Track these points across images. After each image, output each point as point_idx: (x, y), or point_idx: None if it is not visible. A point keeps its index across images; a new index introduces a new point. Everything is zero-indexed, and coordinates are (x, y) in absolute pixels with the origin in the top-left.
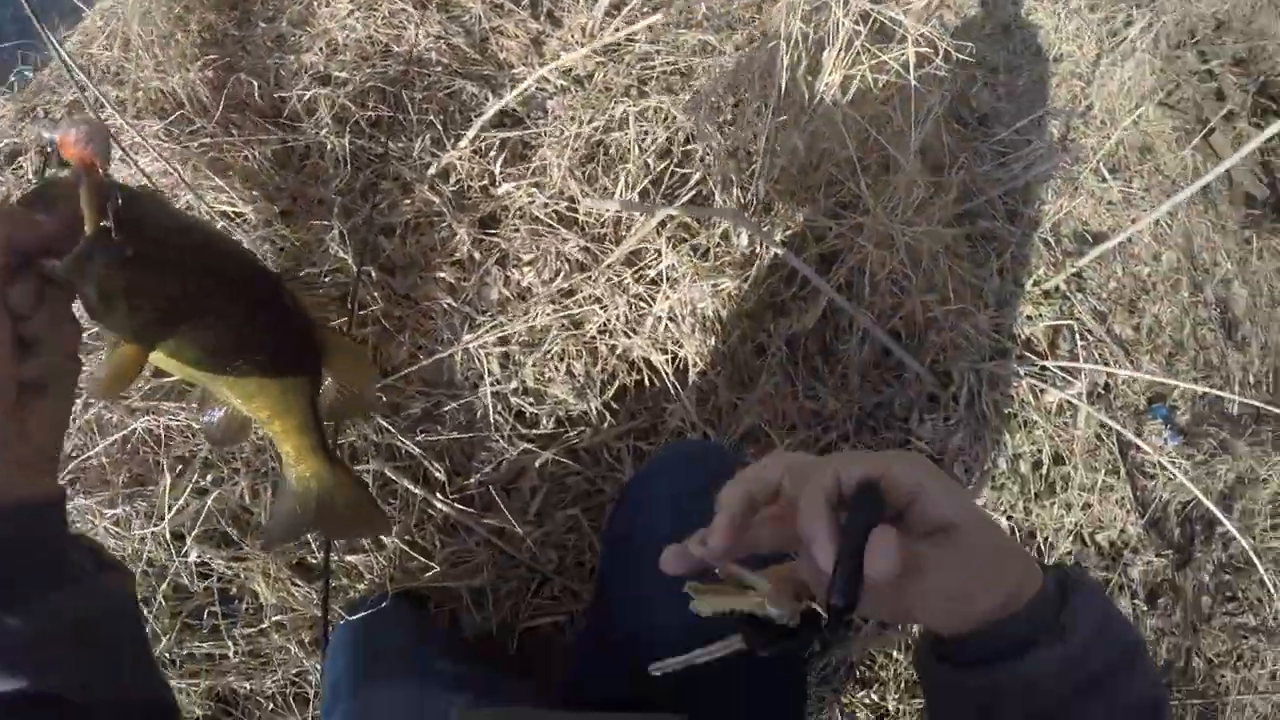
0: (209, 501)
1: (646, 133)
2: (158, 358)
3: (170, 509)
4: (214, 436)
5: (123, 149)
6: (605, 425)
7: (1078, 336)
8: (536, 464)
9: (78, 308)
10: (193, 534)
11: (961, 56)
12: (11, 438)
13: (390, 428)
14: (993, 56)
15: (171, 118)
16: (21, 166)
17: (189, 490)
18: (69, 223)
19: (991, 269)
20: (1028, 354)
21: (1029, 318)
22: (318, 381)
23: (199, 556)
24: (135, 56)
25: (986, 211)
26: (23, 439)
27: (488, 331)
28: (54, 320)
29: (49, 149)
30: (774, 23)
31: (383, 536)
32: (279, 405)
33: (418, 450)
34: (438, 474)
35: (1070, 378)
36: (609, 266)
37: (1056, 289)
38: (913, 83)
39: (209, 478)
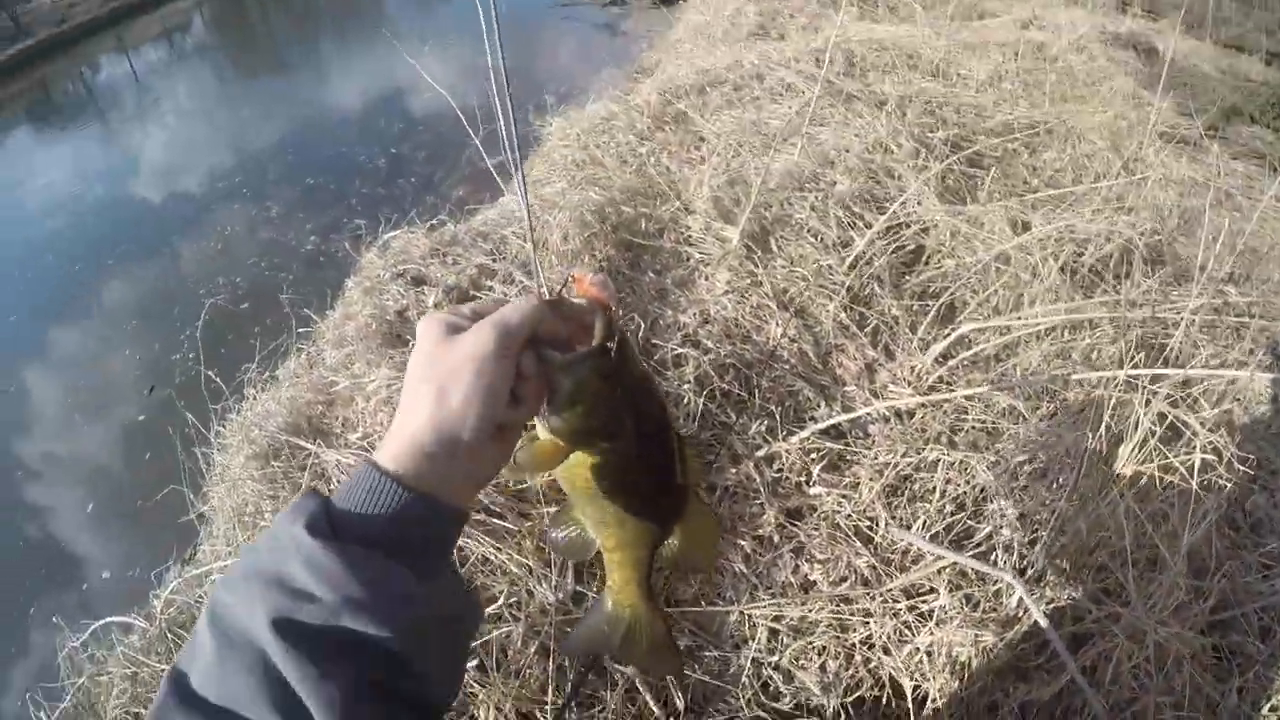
0: (493, 635)
1: (950, 481)
2: (565, 463)
3: None
4: (558, 546)
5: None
6: None
7: None
8: None
9: None
10: None
11: (1244, 469)
12: (484, 459)
13: None
14: (1275, 459)
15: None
16: (424, 292)
17: None
18: (570, 333)
19: (1232, 685)
20: None
21: None
22: (669, 534)
23: None
24: (547, 259)
25: (1240, 625)
26: (484, 463)
27: (766, 606)
28: (537, 390)
29: (569, 279)
30: (1080, 405)
31: (672, 677)
32: (628, 540)
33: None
34: (678, 702)
35: None
36: (888, 591)
37: None
38: (1194, 488)
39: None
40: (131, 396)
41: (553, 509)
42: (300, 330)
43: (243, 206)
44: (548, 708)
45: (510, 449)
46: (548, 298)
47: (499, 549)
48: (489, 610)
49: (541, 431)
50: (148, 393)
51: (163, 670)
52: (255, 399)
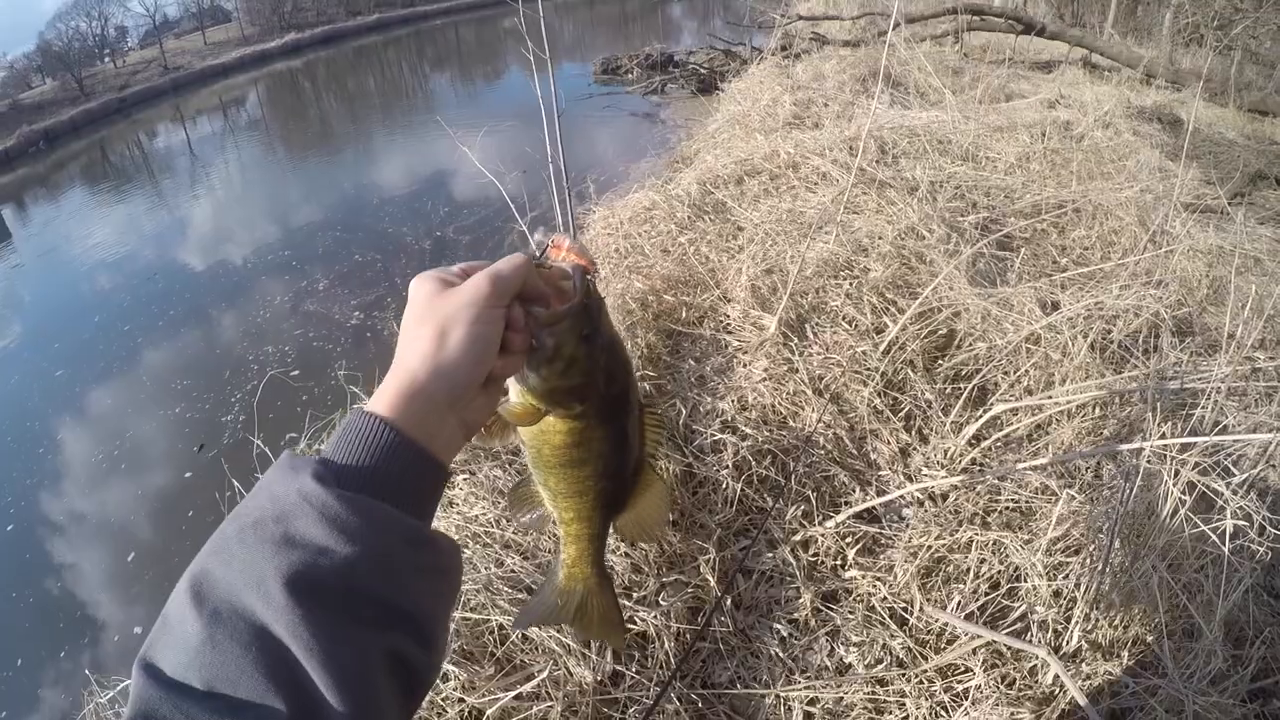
0: (530, 711)
1: (984, 560)
2: (536, 427)
3: (489, 694)
4: (522, 524)
5: None
6: None
7: None
8: None
9: None
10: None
11: (1277, 532)
12: (475, 405)
13: None
14: None
15: None
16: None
17: (514, 692)
18: (555, 294)
19: None
20: None
21: None
22: (622, 509)
23: None
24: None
25: None
26: (475, 410)
27: (803, 689)
28: (523, 342)
29: (549, 244)
30: (1110, 480)
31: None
32: (585, 513)
33: None
34: None
35: None
36: (923, 671)
37: None
38: (1227, 554)
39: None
40: (181, 455)
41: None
42: (352, 405)
43: (291, 278)
44: None
45: (495, 401)
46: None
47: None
48: (526, 688)
49: (515, 395)
50: (197, 450)
51: None
52: None
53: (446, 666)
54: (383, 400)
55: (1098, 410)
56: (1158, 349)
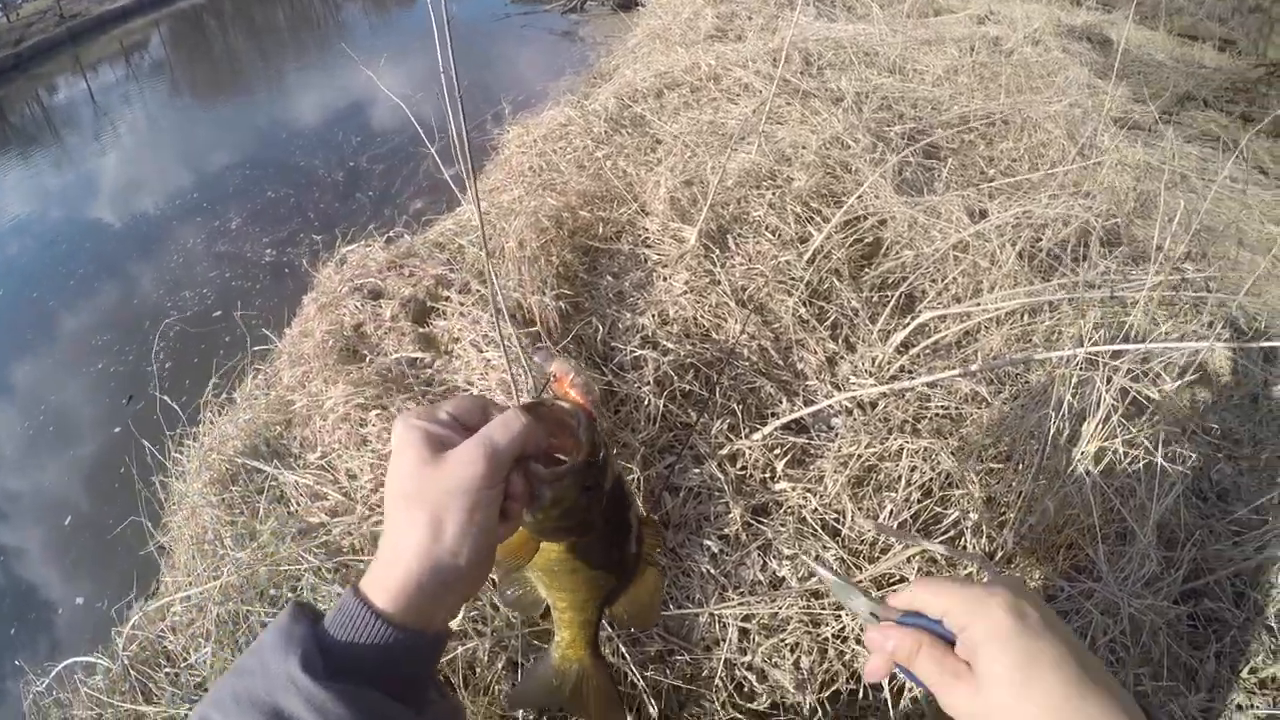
0: (458, 652)
1: (915, 469)
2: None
3: None
4: (507, 602)
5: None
6: None
7: None
8: None
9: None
10: None
11: (1209, 439)
12: (474, 579)
13: (626, 656)
14: (1238, 428)
15: (526, 329)
16: (381, 306)
17: None
18: (556, 428)
19: (1210, 652)
20: None
21: (1240, 706)
22: (617, 598)
23: None
24: (503, 266)
25: (1214, 591)
26: (474, 583)
27: (736, 606)
28: (523, 505)
29: (550, 379)
30: (1041, 386)
31: None
32: (579, 604)
33: (641, 683)
34: (651, 711)
35: None
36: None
37: (1273, 679)
38: (1159, 460)
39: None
40: (110, 409)
41: None
42: (259, 349)
43: (203, 220)
44: None
45: (494, 559)
46: (528, 400)
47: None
48: (453, 624)
49: None
50: (125, 402)
51: (128, 711)
52: (212, 423)
53: None
54: (379, 588)
55: (1026, 318)
56: (1087, 258)
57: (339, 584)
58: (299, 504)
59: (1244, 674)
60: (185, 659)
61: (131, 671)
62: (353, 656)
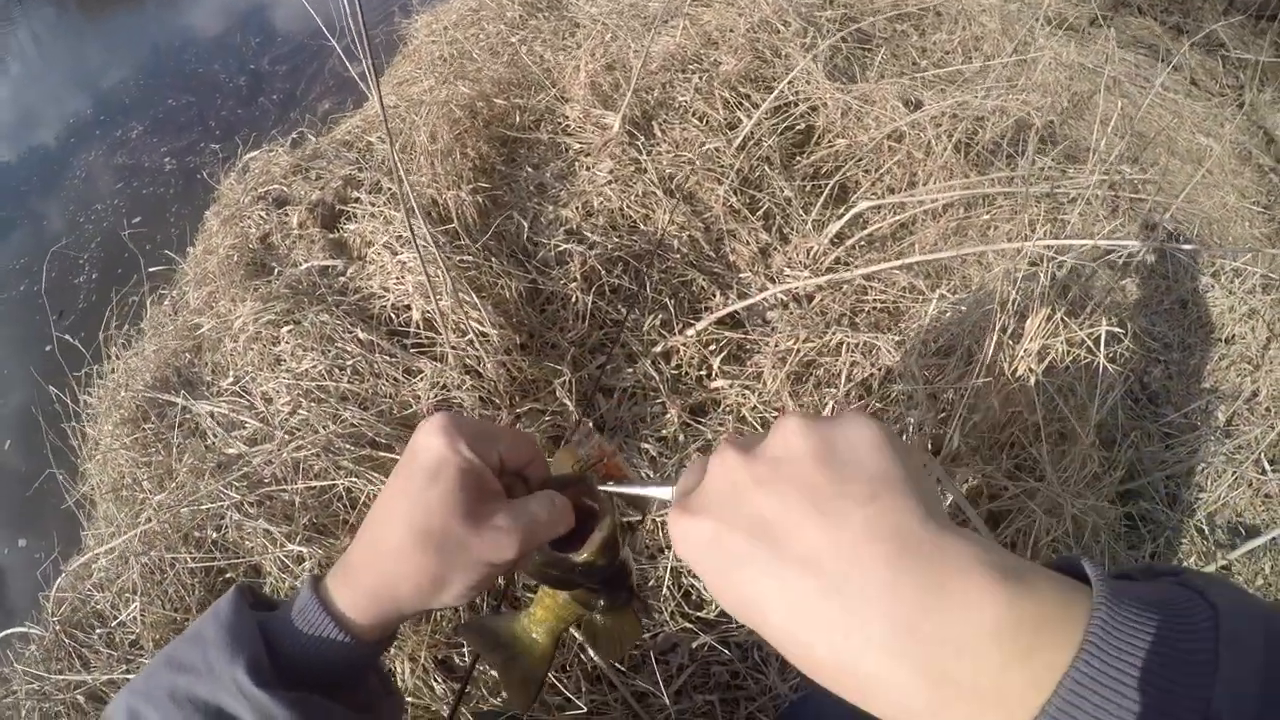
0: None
1: (855, 364)
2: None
3: None
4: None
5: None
6: None
7: None
8: (693, 644)
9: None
10: None
11: (1148, 339)
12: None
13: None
14: (1169, 333)
15: (442, 227)
16: (288, 213)
17: None
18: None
19: (1145, 551)
20: None
21: None
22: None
23: None
24: (415, 161)
25: (1149, 492)
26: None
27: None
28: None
29: (602, 460)
30: (981, 282)
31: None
32: (563, 622)
33: None
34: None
35: None
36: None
37: None
38: (1102, 361)
39: None
40: (41, 327)
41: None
42: (154, 270)
43: (102, 133)
44: (465, 650)
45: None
46: (574, 470)
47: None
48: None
49: None
50: (55, 317)
51: (66, 682)
52: (118, 357)
53: (300, 547)
54: (348, 592)
55: (963, 211)
56: (1024, 153)
57: (264, 519)
58: (215, 435)
59: None
60: (115, 616)
61: (64, 638)
62: (302, 660)
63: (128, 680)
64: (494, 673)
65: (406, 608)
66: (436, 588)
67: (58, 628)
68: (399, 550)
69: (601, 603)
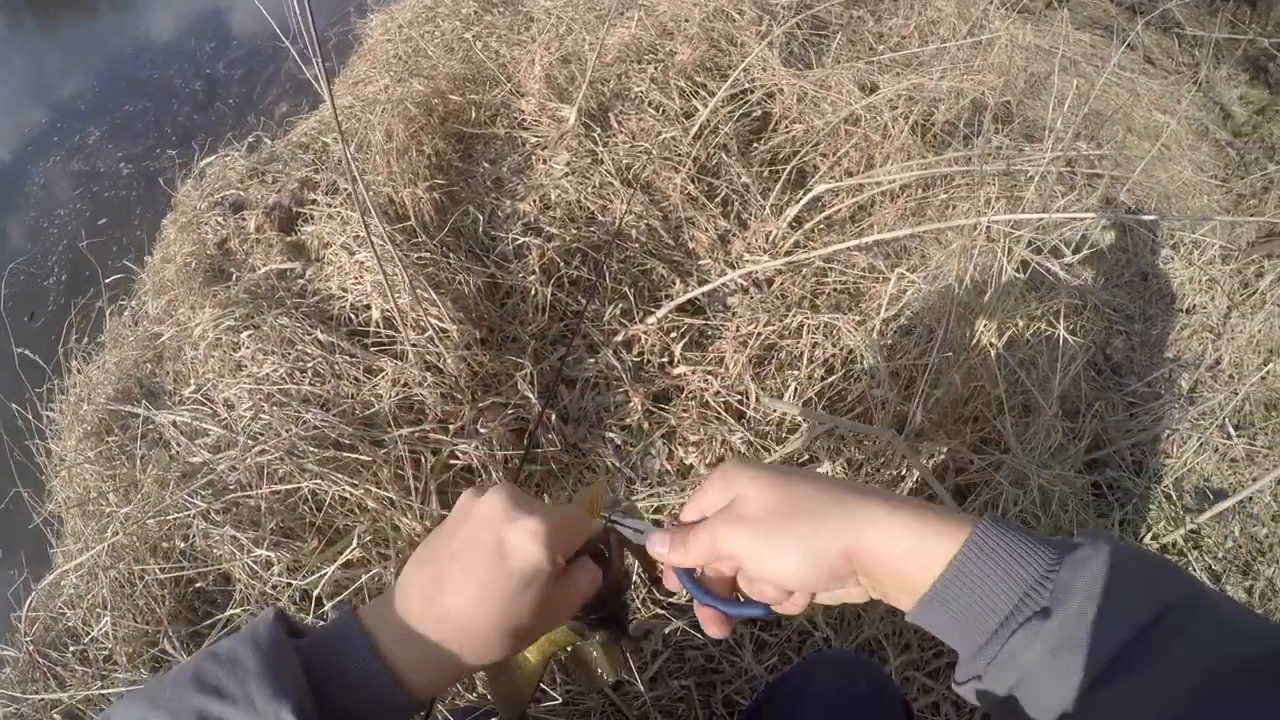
0: (361, 580)
1: (817, 345)
2: None
3: (316, 571)
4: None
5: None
6: None
7: None
8: (665, 630)
9: None
10: (331, 602)
11: (1109, 311)
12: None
13: None
14: (1130, 305)
15: (399, 225)
16: (245, 218)
17: (340, 562)
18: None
19: (1114, 519)
20: None
21: None
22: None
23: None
24: (371, 160)
25: (1115, 461)
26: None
27: (645, 499)
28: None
29: (641, 542)
30: (939, 260)
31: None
32: (556, 646)
33: None
34: None
35: None
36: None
37: (1174, 544)
38: (1062, 333)
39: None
40: (11, 330)
41: (405, 430)
42: (112, 280)
43: (60, 139)
44: None
45: None
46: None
47: (354, 485)
48: (354, 555)
49: None
50: (27, 319)
51: (42, 702)
52: (79, 371)
53: (267, 552)
54: (409, 660)
55: (921, 191)
56: (981, 133)
57: (231, 525)
58: (179, 445)
59: (1147, 540)
60: (88, 633)
61: (38, 658)
62: (347, 708)
63: (104, 696)
64: (486, 685)
65: (465, 673)
66: (492, 648)
67: (31, 648)
68: (485, 642)
69: (596, 637)
